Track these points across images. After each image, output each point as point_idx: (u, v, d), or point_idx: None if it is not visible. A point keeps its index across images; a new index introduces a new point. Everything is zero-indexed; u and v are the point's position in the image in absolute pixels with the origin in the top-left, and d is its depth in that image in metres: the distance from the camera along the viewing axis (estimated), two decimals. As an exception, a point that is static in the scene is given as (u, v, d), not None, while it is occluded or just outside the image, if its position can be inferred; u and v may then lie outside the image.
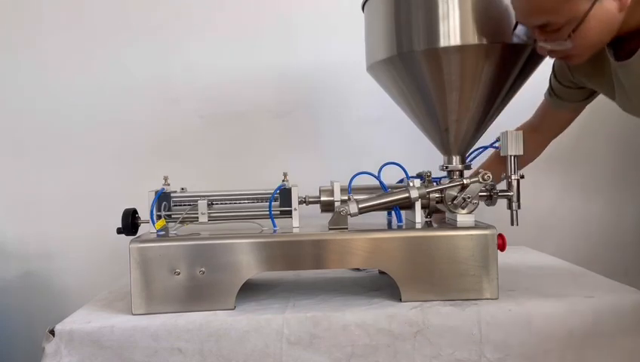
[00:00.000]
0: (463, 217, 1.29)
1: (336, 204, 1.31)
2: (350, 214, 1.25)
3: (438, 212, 1.38)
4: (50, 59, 1.96)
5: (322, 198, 1.34)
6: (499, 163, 1.35)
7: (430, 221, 1.38)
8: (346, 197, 1.31)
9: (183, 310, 1.19)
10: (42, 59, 1.96)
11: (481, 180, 1.26)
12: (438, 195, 1.31)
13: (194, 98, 1.97)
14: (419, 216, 1.32)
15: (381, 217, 1.44)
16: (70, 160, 1.96)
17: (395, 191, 1.31)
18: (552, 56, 1.21)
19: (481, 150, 1.46)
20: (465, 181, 1.28)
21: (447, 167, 1.40)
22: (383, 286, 1.36)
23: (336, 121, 1.98)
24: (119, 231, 1.32)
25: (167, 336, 1.14)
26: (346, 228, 1.26)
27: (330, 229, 1.26)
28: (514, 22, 1.21)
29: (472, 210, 1.29)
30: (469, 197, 1.28)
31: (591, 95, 1.42)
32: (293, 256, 1.23)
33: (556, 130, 1.51)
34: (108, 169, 1.96)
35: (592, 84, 1.35)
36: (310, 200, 1.34)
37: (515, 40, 1.23)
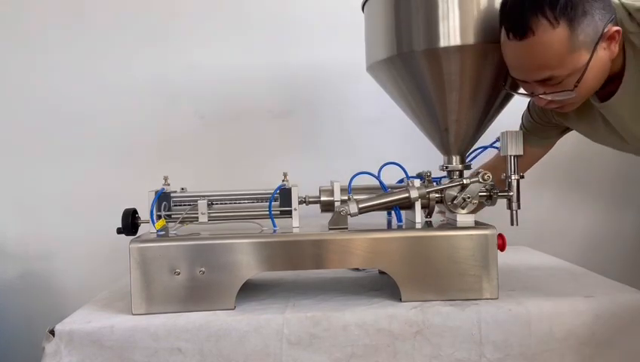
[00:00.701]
0: (462, 217, 1.29)
1: (336, 204, 1.31)
2: (350, 214, 1.25)
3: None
4: (51, 60, 1.95)
5: (322, 198, 1.34)
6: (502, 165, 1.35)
7: (430, 221, 1.38)
8: (346, 197, 1.30)
9: (183, 310, 1.19)
10: (42, 59, 1.96)
11: (481, 180, 1.26)
12: (438, 195, 1.31)
13: (194, 98, 1.97)
14: (419, 216, 1.32)
15: (381, 217, 1.44)
16: (70, 160, 1.96)
17: (395, 191, 1.31)
18: (548, 107, 1.24)
19: (481, 150, 1.47)
20: (465, 181, 1.28)
21: (447, 167, 1.40)
22: (383, 286, 1.36)
23: (336, 121, 1.98)
24: (119, 231, 1.31)
25: (167, 336, 1.14)
26: (346, 228, 1.26)
27: (330, 229, 1.26)
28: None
29: (472, 210, 1.29)
30: (469, 197, 1.28)
31: (563, 131, 1.48)
32: (293, 256, 1.23)
33: (523, 167, 1.52)
34: (108, 169, 1.96)
35: (574, 125, 1.39)
36: (310, 200, 1.34)
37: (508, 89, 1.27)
